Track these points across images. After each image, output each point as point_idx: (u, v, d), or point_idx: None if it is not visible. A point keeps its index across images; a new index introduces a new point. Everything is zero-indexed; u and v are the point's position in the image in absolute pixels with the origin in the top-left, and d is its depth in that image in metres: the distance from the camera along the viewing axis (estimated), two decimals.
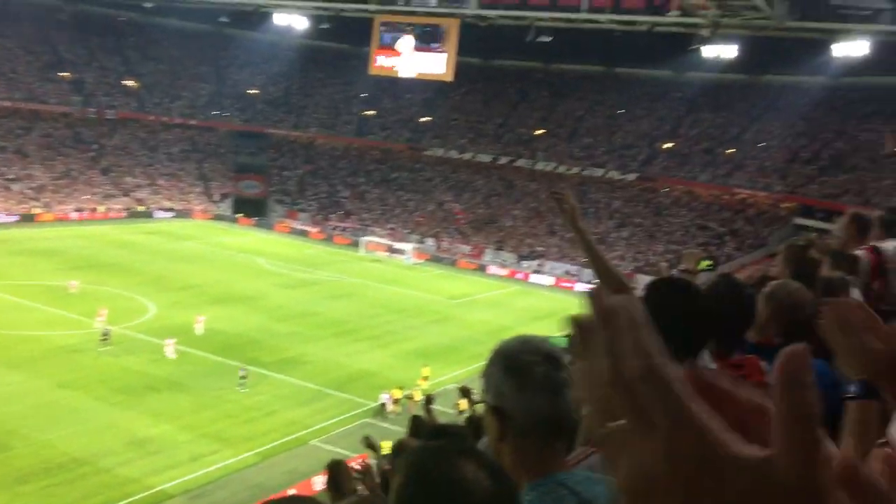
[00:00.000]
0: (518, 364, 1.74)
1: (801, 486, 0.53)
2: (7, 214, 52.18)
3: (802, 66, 52.40)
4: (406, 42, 55.30)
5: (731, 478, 0.54)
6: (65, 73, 66.45)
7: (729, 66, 53.61)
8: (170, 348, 29.32)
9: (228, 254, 50.55)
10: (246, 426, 24.01)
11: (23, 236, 47.74)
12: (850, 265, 4.48)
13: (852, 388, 1.93)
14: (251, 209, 65.69)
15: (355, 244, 58.08)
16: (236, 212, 65.17)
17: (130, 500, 18.97)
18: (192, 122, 70.90)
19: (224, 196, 66.97)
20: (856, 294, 3.84)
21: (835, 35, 44.28)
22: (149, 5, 62.65)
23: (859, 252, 4.68)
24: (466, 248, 58.86)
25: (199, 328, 32.01)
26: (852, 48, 44.68)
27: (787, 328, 3.02)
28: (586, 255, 3.67)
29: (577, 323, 0.66)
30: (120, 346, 29.49)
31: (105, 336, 29.27)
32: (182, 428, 23.29)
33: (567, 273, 53.01)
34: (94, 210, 57.69)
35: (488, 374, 1.80)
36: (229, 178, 68.89)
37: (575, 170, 63.03)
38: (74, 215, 56.00)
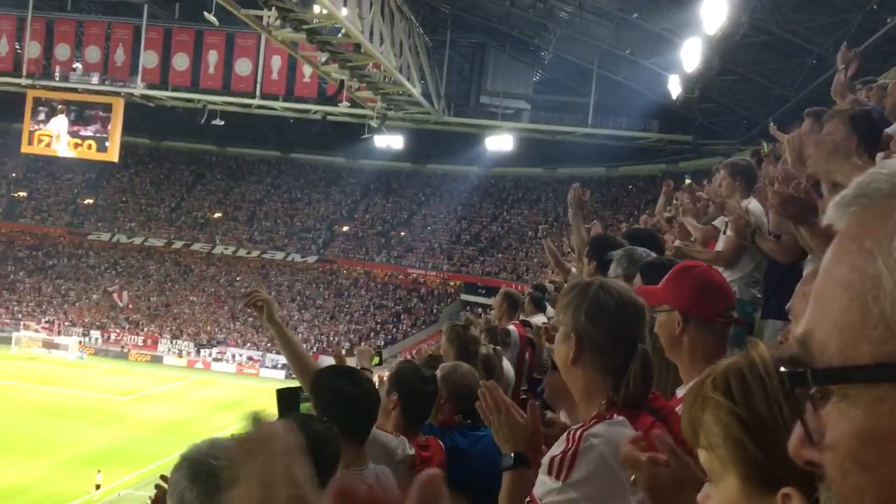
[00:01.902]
0: (205, 469, 1.64)
1: None
2: None
3: (460, 156, 57.93)
4: (64, 120, 51.30)
5: None
6: None
7: (397, 155, 57.50)
8: None
9: None
10: None
11: None
12: (503, 339, 4.96)
13: (506, 461, 2.14)
14: None
15: (5, 341, 51.22)
16: None
17: None
18: None
19: None
20: (507, 365, 4.24)
21: (485, 130, 49.92)
22: None
23: (510, 327, 5.22)
24: (139, 339, 54.92)
25: None
26: (500, 142, 50.65)
27: (464, 408, 3.24)
28: (281, 348, 3.72)
29: (237, 447, 0.67)
30: None
31: None
32: None
33: (250, 359, 51.82)
34: None
35: (173, 481, 1.68)
36: None
37: (255, 253, 62.44)
38: None
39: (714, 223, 5.33)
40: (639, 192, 53.37)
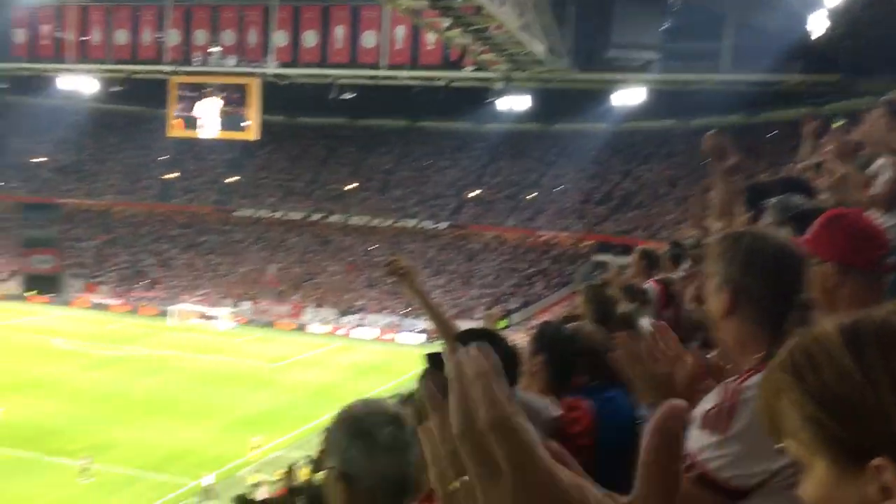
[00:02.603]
0: (364, 427, 1.71)
1: None
2: None
3: (588, 113, 56.61)
4: (206, 103, 54.05)
5: None
6: None
7: (523, 117, 56.88)
8: None
9: (20, 336, 46.22)
10: None
11: None
12: (641, 297, 4.85)
13: (647, 413, 2.08)
14: (44, 285, 60.59)
15: (164, 314, 55.13)
16: (27, 289, 59.89)
17: None
18: None
19: (13, 273, 61.36)
20: (645, 324, 4.14)
21: (613, 85, 48.46)
22: None
23: (648, 285, 5.09)
24: (285, 309, 57.64)
25: None
26: (629, 96, 49.05)
27: (590, 369, 3.20)
28: (426, 314, 3.77)
29: (430, 379, 0.67)
30: None
31: None
32: None
33: (389, 325, 53.28)
34: None
35: (333, 439, 1.76)
36: (17, 253, 63.32)
37: (388, 222, 63.92)
38: None
39: (869, 170, 4.96)
40: (780, 140, 50.36)
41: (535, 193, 62.08)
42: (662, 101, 51.30)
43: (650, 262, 6.56)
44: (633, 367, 2.09)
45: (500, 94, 49.64)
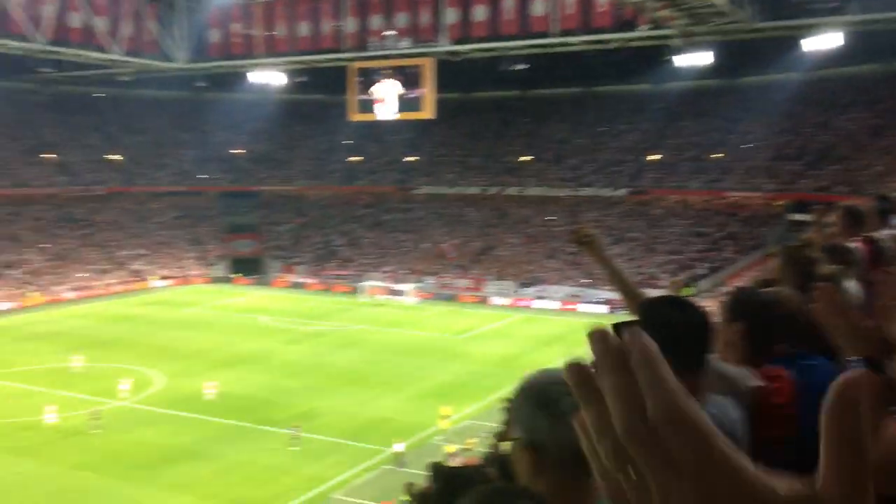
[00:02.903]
0: (548, 396, 1.72)
1: None
2: (5, 301, 52.08)
3: (776, 64, 52.90)
4: (384, 86, 55.83)
5: None
6: (49, 155, 66.85)
7: (704, 73, 54.09)
8: (211, 391, 31.52)
9: (229, 315, 50.40)
10: (266, 487, 23.70)
11: (21, 322, 47.58)
12: (846, 258, 4.45)
13: (853, 367, 1.89)
14: (247, 268, 65.66)
15: (355, 291, 58.00)
16: (233, 272, 65.16)
17: None
18: (180, 188, 71.20)
19: (219, 258, 67.00)
20: (851, 286, 3.80)
21: (804, 31, 44.76)
22: (125, 79, 63.16)
23: (853, 244, 4.65)
24: (467, 282, 58.79)
25: (208, 394, 31.81)
26: (824, 41, 45.08)
27: (791, 336, 2.98)
28: (612, 283, 3.69)
29: (578, 369, 0.60)
30: (130, 421, 29.24)
31: (95, 416, 28.84)
32: (202, 498, 22.97)
33: (570, 295, 52.90)
34: (90, 287, 57.61)
35: (517, 409, 1.78)
36: (222, 239, 69.01)
37: (565, 192, 63.30)
38: (71, 294, 55.90)
39: None
40: None
41: (721, 153, 59.01)
42: (863, 44, 46.80)
43: (854, 219, 6.01)
44: (835, 321, 1.91)
45: (679, 51, 47.41)
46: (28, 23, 48.10)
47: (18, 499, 22.67)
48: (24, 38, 49.08)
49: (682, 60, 48.89)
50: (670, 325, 2.31)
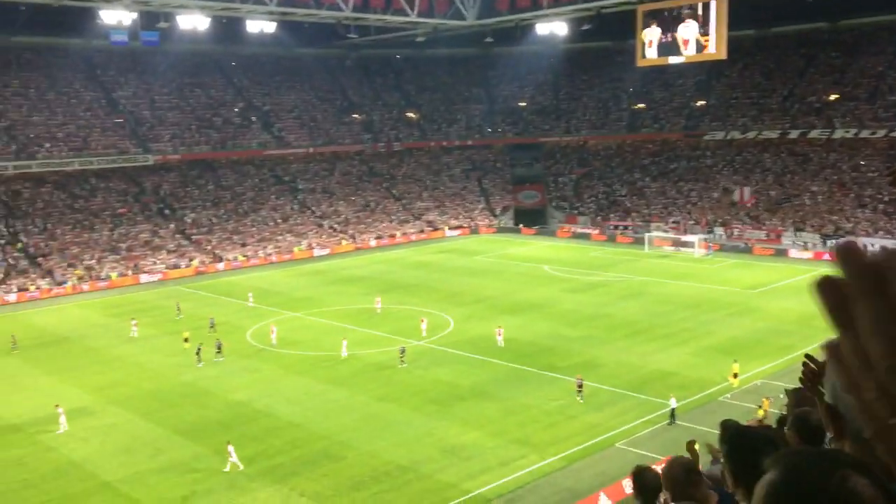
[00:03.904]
0: None
1: None
2: (320, 248, 58.53)
3: None
4: (673, 28, 53.29)
5: None
6: (355, 115, 73.24)
7: None
8: (500, 337, 33.02)
9: (514, 264, 52.06)
10: (549, 431, 24.40)
11: (334, 266, 53.18)
12: None
13: None
14: (531, 218, 67.19)
15: (638, 242, 56.89)
16: (517, 223, 67.06)
17: None
18: (469, 142, 74.45)
19: (505, 209, 69.27)
20: None
21: None
22: (420, 39, 66.89)
23: None
24: (761, 234, 55.01)
25: (500, 340, 33.24)
26: None
27: None
28: None
29: (829, 287, 0.49)
30: (427, 359, 31.58)
31: (402, 353, 31.36)
32: (490, 434, 24.26)
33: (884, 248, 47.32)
34: (391, 236, 62.66)
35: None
36: (508, 190, 71.16)
37: (881, 132, 56.28)
38: (374, 243, 61.27)
39: None
40: None
41: None
42: None
43: None
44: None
45: None
46: None
47: (336, 421, 25.62)
48: (334, 8, 54.03)
49: None
50: None
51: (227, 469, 21.97)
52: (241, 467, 22.02)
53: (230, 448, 22.24)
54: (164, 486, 21.38)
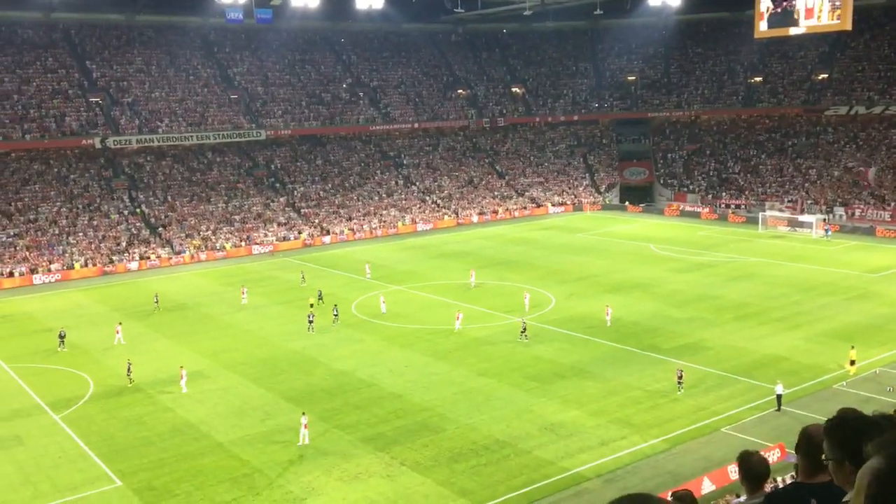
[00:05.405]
0: None
1: None
2: (423, 223, 59.11)
3: None
4: None
5: None
6: (460, 90, 73.21)
7: None
8: (608, 316, 32.63)
9: (619, 242, 51.11)
10: (652, 412, 23.96)
11: (437, 241, 53.64)
12: None
13: None
14: (637, 196, 65.70)
15: (751, 221, 54.75)
16: (623, 200, 65.71)
17: (549, 481, 20.06)
18: (575, 117, 73.22)
19: (610, 186, 67.95)
20: None
21: None
22: (528, 13, 65.97)
23: None
24: (885, 215, 51.92)
25: (608, 318, 32.73)
26: None
27: None
28: None
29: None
30: (529, 336, 31.50)
31: (524, 329, 31.40)
32: (590, 413, 24.04)
33: None
34: (494, 212, 62.60)
35: None
36: (614, 167, 69.73)
37: None
38: (477, 218, 61.36)
39: None
40: None
41: None
42: None
43: None
44: None
45: None
46: None
47: (437, 394, 25.98)
48: None
49: None
50: None
51: (306, 443, 22.43)
52: (307, 441, 22.42)
53: (303, 419, 22.83)
54: (272, 449, 22.28)
